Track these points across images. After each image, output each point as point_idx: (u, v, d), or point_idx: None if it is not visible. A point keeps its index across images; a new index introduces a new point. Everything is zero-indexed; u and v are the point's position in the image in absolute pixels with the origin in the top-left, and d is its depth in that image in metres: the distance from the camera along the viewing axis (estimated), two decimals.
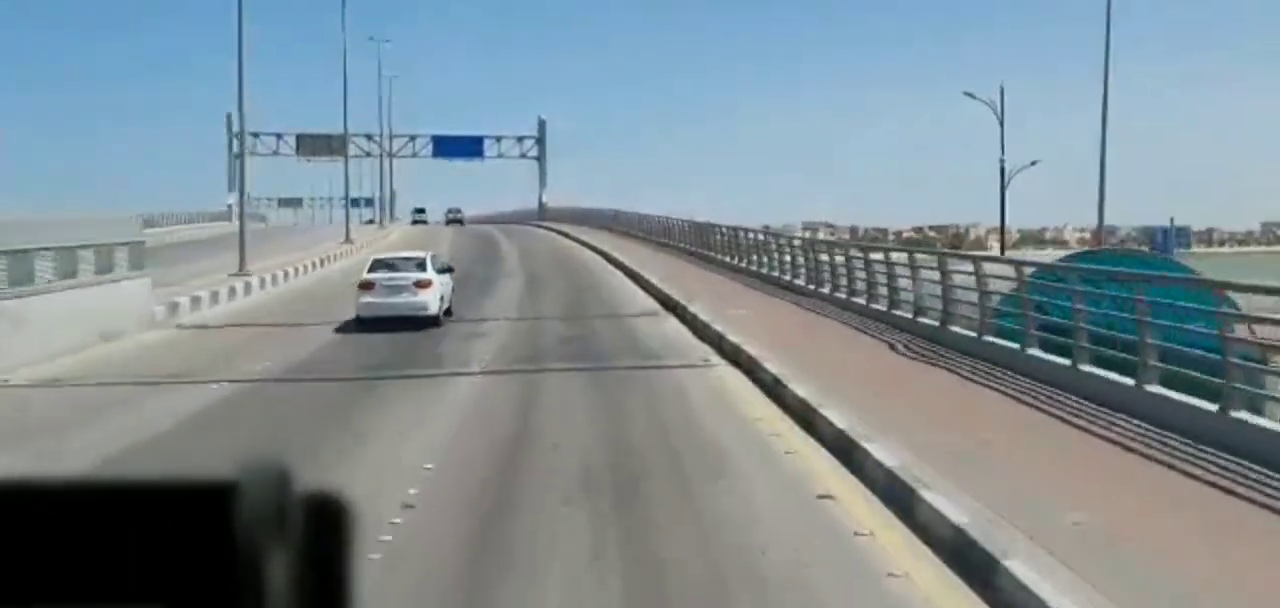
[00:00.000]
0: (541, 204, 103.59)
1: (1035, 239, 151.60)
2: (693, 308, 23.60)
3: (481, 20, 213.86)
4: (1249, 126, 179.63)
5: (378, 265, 23.36)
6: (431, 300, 22.15)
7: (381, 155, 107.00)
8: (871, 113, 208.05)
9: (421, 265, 23.05)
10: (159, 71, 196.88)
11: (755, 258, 35.52)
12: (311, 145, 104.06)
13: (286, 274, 33.73)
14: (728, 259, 38.36)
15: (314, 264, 38.00)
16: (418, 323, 21.48)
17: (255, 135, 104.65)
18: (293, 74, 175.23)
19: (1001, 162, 47.30)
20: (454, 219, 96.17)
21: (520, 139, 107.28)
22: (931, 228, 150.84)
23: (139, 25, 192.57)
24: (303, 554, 0.63)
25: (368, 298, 22.12)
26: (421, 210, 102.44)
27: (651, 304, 26.67)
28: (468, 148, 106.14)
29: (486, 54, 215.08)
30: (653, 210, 59.66)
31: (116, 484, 0.63)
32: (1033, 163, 51.23)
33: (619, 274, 35.45)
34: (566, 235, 61.80)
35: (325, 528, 0.64)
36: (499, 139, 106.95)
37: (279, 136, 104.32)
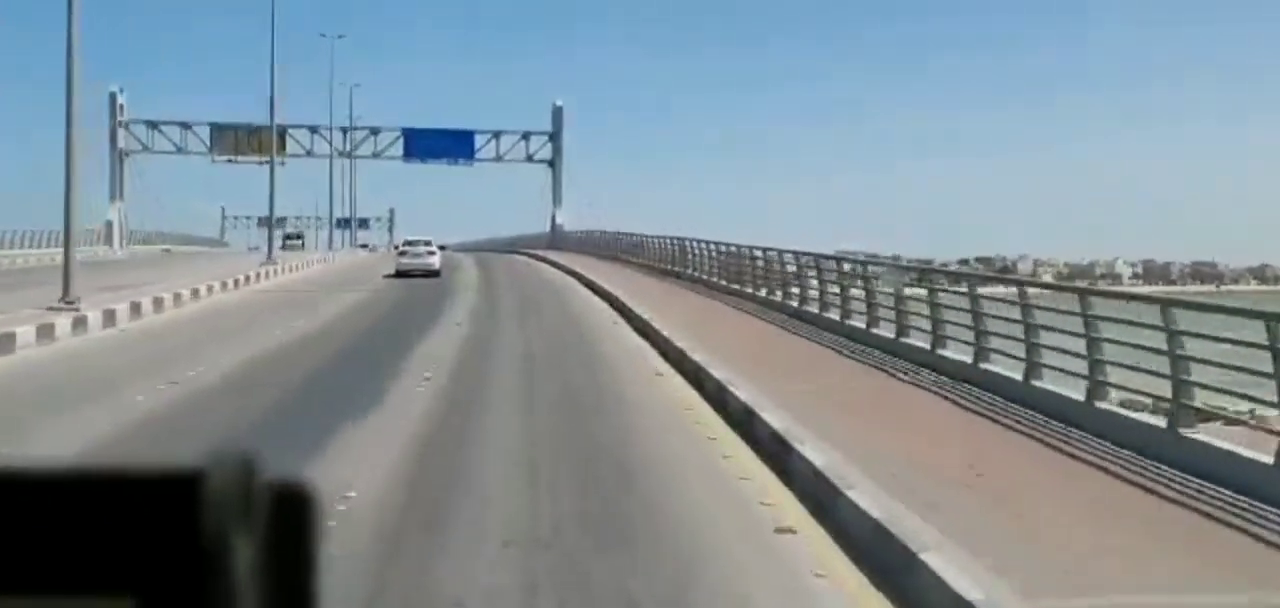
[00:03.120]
0: (555, 225, 73.54)
1: (1085, 273, 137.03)
2: None
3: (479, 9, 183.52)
4: None
5: (407, 244, 42.86)
6: (436, 263, 40.31)
7: (333, 154, 77.35)
8: (898, 137, 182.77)
9: (428, 243, 41.73)
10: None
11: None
12: (232, 141, 74.20)
13: None
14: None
15: None
16: (429, 274, 38.12)
17: (152, 126, 75.18)
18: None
19: None
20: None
21: (526, 135, 77.11)
22: (977, 259, 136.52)
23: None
24: (268, 543, 0.62)
25: (403, 260, 40.48)
26: (364, 247, 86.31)
27: None
28: (452, 146, 75.93)
29: (483, 43, 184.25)
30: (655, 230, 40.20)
31: (79, 472, 0.62)
32: None
33: None
34: (597, 290, 31.61)
35: (291, 516, 0.63)
36: (496, 135, 76.78)
37: (186, 127, 74.34)
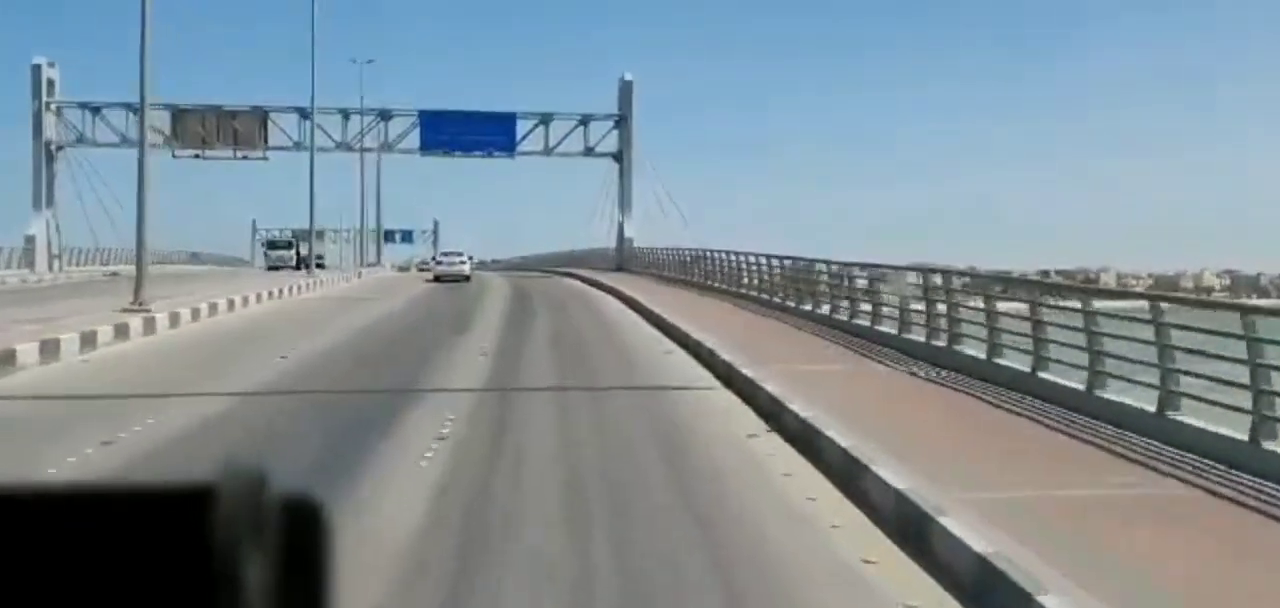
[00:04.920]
0: (622, 238, 55.39)
1: (1172, 284, 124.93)
2: None
3: None
4: None
5: (443, 255, 52.85)
6: (467, 269, 48.70)
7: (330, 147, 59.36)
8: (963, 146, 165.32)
9: (461, 254, 50.59)
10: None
11: None
12: (199, 128, 56.44)
13: None
14: None
15: None
16: (461, 278, 46.36)
17: (92, 110, 57.46)
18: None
19: None
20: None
21: (584, 121, 58.69)
22: (1058, 272, 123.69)
23: None
24: (280, 558, 0.62)
25: (439, 267, 49.87)
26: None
27: None
28: (486, 134, 57.45)
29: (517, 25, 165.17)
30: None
31: (89, 489, 0.62)
32: None
33: None
34: (751, 398, 12.92)
35: (303, 531, 0.63)
36: (545, 120, 58.27)
37: (133, 110, 56.29)
